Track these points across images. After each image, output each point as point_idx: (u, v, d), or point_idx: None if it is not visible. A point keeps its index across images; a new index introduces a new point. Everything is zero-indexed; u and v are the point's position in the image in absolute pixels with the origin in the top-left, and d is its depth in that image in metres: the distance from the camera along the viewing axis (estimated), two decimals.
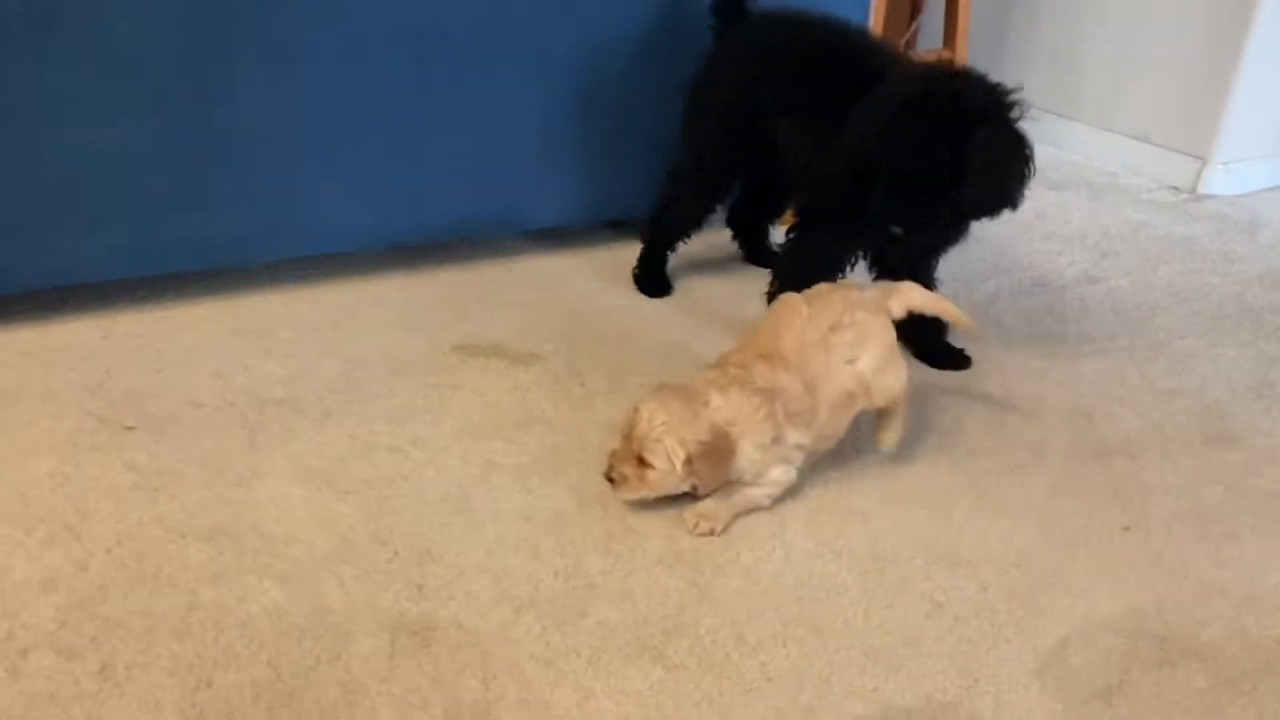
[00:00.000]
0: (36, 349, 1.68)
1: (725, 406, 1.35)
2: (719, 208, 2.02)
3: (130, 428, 1.51)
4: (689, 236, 2.03)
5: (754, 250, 2.17)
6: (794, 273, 1.72)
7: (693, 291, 2.05)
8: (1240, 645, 1.25)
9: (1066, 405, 1.73)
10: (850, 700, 1.15)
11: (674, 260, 2.07)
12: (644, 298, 2.01)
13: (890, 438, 1.51)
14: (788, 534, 1.40)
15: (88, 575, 1.24)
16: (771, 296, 1.74)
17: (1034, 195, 2.63)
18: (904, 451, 1.54)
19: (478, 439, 1.55)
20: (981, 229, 2.44)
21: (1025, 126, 1.59)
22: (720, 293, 2.05)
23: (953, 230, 1.70)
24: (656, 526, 1.39)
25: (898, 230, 1.61)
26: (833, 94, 1.66)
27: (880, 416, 1.51)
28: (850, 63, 1.70)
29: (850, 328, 1.43)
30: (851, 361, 1.43)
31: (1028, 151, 1.58)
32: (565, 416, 1.62)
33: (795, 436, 1.39)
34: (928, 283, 1.74)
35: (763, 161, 1.88)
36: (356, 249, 1.98)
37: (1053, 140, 3.06)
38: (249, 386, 1.64)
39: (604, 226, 2.25)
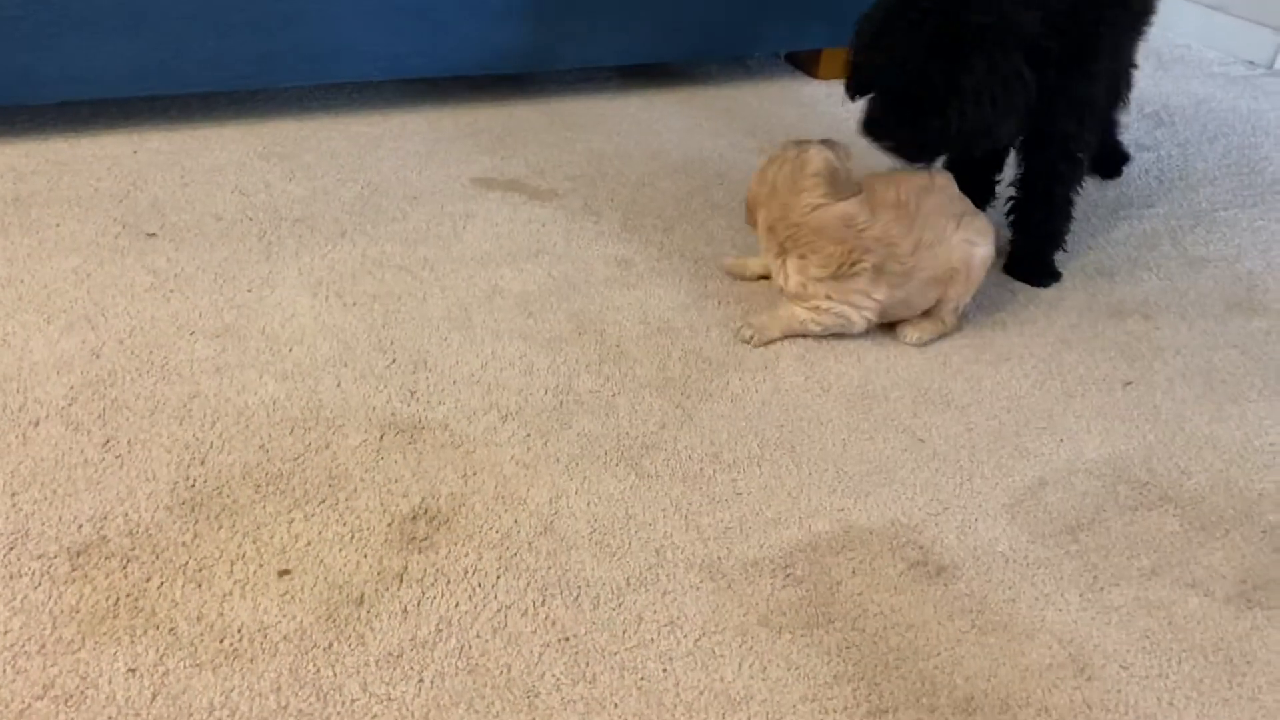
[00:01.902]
0: (68, 159, 1.73)
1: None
2: None
3: (152, 234, 1.56)
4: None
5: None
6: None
7: (719, 136, 2.02)
8: (1223, 494, 1.24)
9: (1089, 265, 1.68)
10: (815, 517, 1.17)
11: (720, 116, 2.03)
12: (668, 144, 1.99)
13: (924, 334, 1.47)
14: (780, 366, 1.41)
15: (100, 361, 1.30)
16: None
17: None
18: None
19: (486, 265, 1.57)
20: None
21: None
22: (744, 144, 2.02)
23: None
24: (650, 354, 1.41)
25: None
26: None
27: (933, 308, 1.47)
28: None
29: (980, 217, 1.44)
30: (973, 244, 1.41)
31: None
32: (576, 250, 1.63)
33: (877, 290, 1.39)
34: None
35: None
36: (383, 78, 1.97)
37: None
38: (269, 203, 1.67)
39: (635, 71, 2.22)
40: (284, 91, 1.95)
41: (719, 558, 1.11)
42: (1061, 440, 1.31)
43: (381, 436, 1.23)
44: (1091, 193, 1.90)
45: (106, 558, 1.05)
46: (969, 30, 1.34)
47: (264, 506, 1.13)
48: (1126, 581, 1.11)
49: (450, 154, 1.88)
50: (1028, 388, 1.40)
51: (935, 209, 1.39)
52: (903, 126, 1.42)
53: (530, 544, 1.11)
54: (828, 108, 2.20)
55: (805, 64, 2.35)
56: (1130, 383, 1.42)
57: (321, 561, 1.07)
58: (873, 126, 1.45)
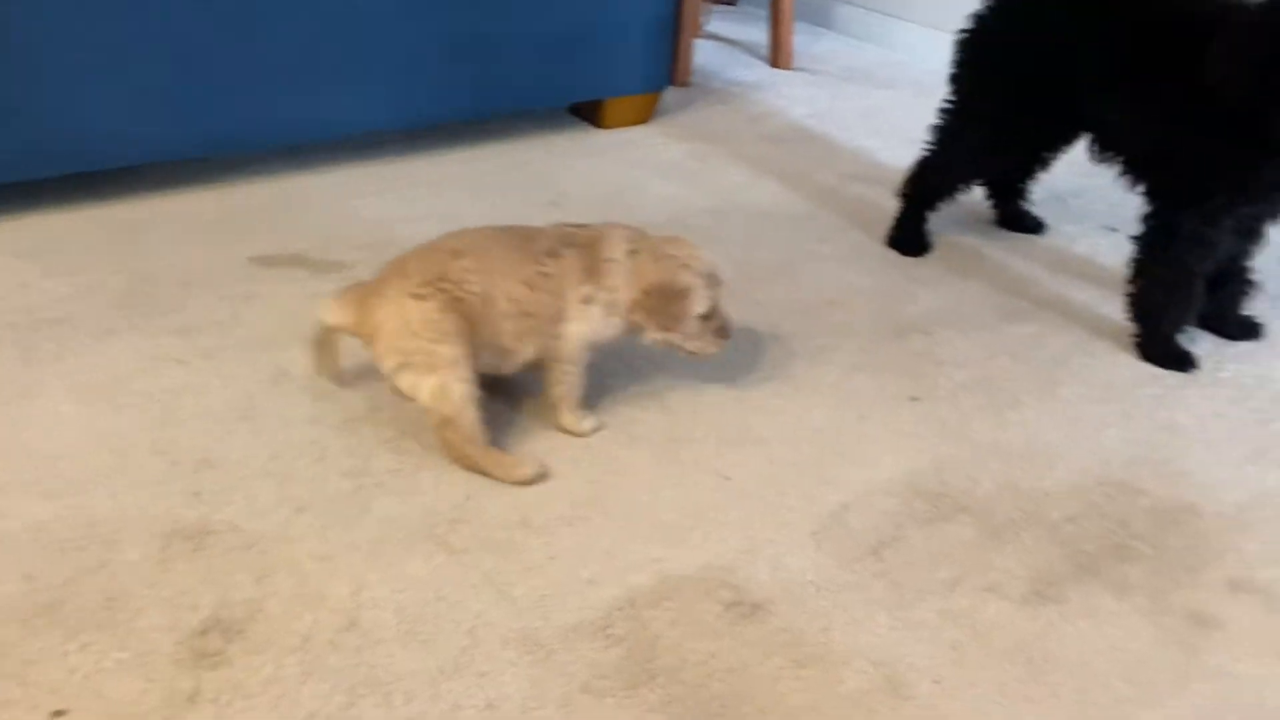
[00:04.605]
0: None
1: None
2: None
3: None
4: (954, 198, 1.85)
5: (1009, 213, 1.98)
6: (1165, 264, 1.55)
7: (508, 192, 2.02)
8: (1010, 498, 1.30)
9: (871, 289, 1.76)
10: (630, 572, 1.16)
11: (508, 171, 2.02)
12: (457, 204, 1.97)
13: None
14: (585, 421, 1.40)
15: None
16: (1135, 297, 1.59)
17: (861, 94, 2.71)
18: None
19: (270, 348, 1.50)
20: (801, 125, 2.47)
21: None
22: (535, 199, 2.02)
23: None
24: None
25: None
26: (1171, 50, 1.48)
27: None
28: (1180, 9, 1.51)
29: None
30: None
31: None
32: None
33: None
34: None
35: (1064, 131, 1.75)
36: (144, 161, 1.87)
37: (883, 40, 3.09)
38: (26, 306, 1.55)
39: (419, 131, 2.19)
40: (39, 184, 1.82)
41: (535, 628, 1.08)
42: (859, 463, 1.35)
43: (164, 547, 1.15)
44: (871, 217, 1.99)
45: None
46: None
47: (32, 642, 1.03)
48: (931, 595, 1.15)
49: (226, 234, 1.80)
50: (824, 415, 1.44)
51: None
52: None
53: (334, 643, 1.05)
54: (615, 156, 2.23)
55: (589, 114, 2.38)
56: (917, 399, 1.48)
57: (101, 695, 0.98)
58: None
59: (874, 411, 1.45)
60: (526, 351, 1.32)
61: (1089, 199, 2.11)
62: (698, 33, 2.98)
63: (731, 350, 1.55)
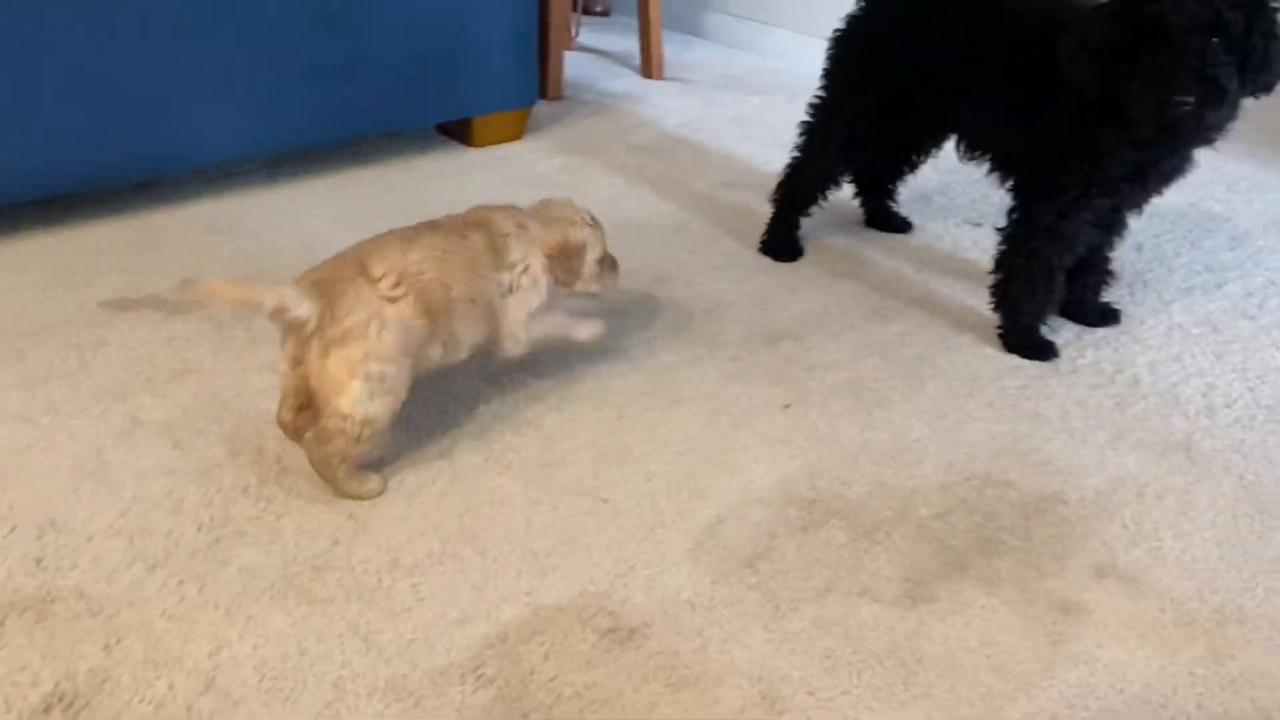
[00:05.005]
0: None
1: None
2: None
3: None
4: (824, 199, 1.87)
5: (878, 212, 2.01)
6: (1025, 257, 1.59)
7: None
8: (881, 498, 1.32)
9: (743, 299, 1.76)
10: (503, 607, 1.13)
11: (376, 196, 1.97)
12: (321, 233, 1.91)
13: None
14: (456, 452, 1.37)
15: None
16: (997, 289, 1.63)
17: (734, 101, 2.73)
18: (584, 359, 1.54)
19: (122, 397, 1.43)
20: (674, 134, 2.48)
21: None
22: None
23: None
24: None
25: (1187, 102, 1.34)
26: (1025, 48, 1.52)
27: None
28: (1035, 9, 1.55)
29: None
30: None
31: None
32: (226, 364, 1.52)
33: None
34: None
35: (932, 130, 1.79)
36: None
37: (755, 47, 3.13)
38: None
39: (282, 160, 2.13)
40: None
41: (403, 675, 1.05)
42: (734, 473, 1.35)
43: (2, 621, 1.08)
44: (745, 227, 2.00)
45: None
46: None
47: None
48: (805, 604, 1.15)
49: (75, 278, 1.71)
50: (699, 427, 1.44)
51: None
52: None
53: (190, 708, 1.00)
54: (486, 174, 2.20)
55: (458, 133, 2.34)
56: (789, 405, 1.49)
57: None
58: None
59: (748, 420, 1.46)
60: (473, 338, 1.35)
61: (952, 195, 2.15)
62: (569, 45, 2.97)
63: (606, 367, 1.55)
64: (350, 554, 1.19)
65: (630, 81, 2.84)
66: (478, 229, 1.36)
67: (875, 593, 1.17)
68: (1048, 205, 1.55)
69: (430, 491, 1.30)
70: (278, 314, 1.20)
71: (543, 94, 2.59)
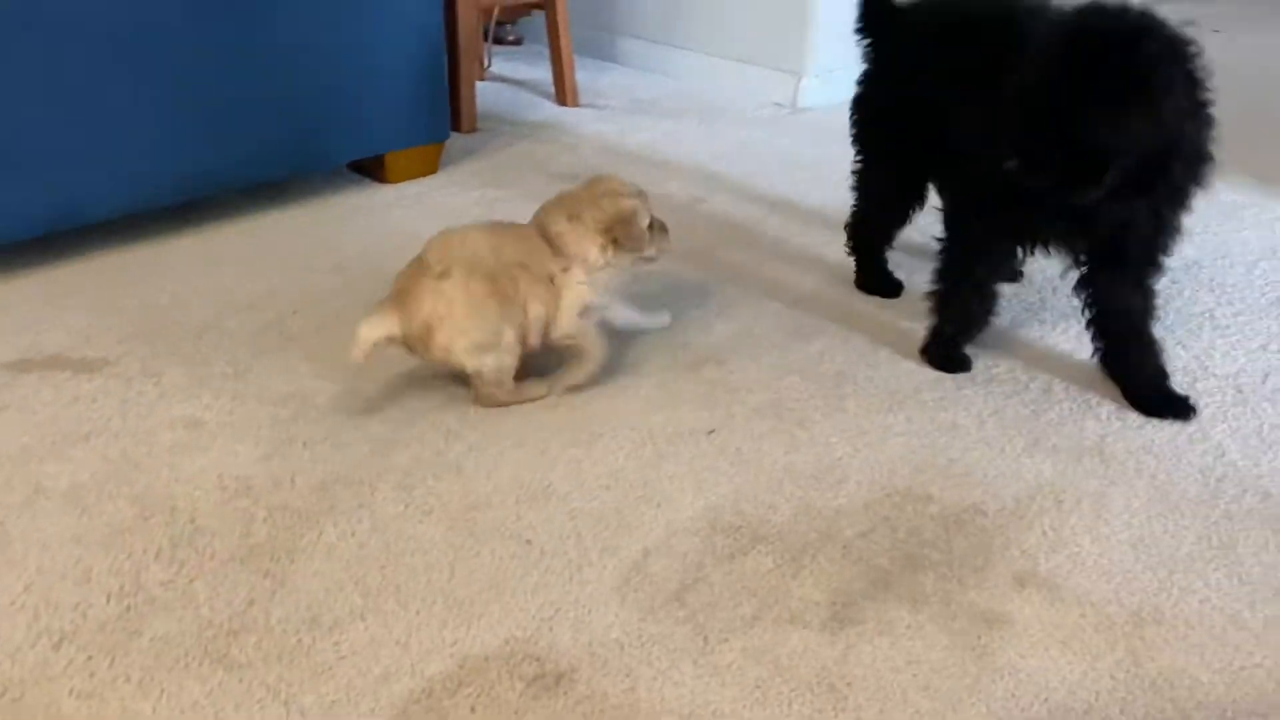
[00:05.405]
0: None
1: None
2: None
3: None
4: (894, 237, 1.87)
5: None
6: (947, 271, 1.61)
7: (288, 262, 1.93)
8: (806, 520, 1.32)
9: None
10: (427, 660, 1.11)
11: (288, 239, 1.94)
12: (232, 281, 1.87)
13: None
14: (376, 500, 1.34)
15: None
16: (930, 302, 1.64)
17: (650, 125, 2.74)
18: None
19: (24, 463, 1.38)
20: (592, 161, 2.47)
21: None
22: (316, 266, 1.95)
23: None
24: (230, 522, 1.29)
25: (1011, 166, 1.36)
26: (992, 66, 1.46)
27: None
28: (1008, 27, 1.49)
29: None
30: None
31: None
32: (134, 422, 1.48)
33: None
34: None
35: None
36: None
37: (666, 70, 3.15)
38: None
39: (190, 206, 2.08)
40: None
41: None
42: (659, 505, 1.35)
43: None
44: None
45: None
46: None
47: None
48: (733, 634, 1.15)
49: None
50: (623, 459, 1.43)
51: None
52: None
53: None
54: (401, 211, 2.18)
55: (371, 170, 2.32)
56: (713, 430, 1.49)
57: None
58: None
59: (672, 449, 1.45)
60: (541, 329, 1.52)
61: None
62: (481, 76, 2.96)
63: (528, 403, 1.53)
64: (268, 614, 1.16)
65: (546, 110, 2.84)
66: (539, 228, 1.53)
67: (803, 618, 1.17)
68: (971, 222, 1.58)
69: (350, 543, 1.27)
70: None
71: (456, 127, 2.58)
